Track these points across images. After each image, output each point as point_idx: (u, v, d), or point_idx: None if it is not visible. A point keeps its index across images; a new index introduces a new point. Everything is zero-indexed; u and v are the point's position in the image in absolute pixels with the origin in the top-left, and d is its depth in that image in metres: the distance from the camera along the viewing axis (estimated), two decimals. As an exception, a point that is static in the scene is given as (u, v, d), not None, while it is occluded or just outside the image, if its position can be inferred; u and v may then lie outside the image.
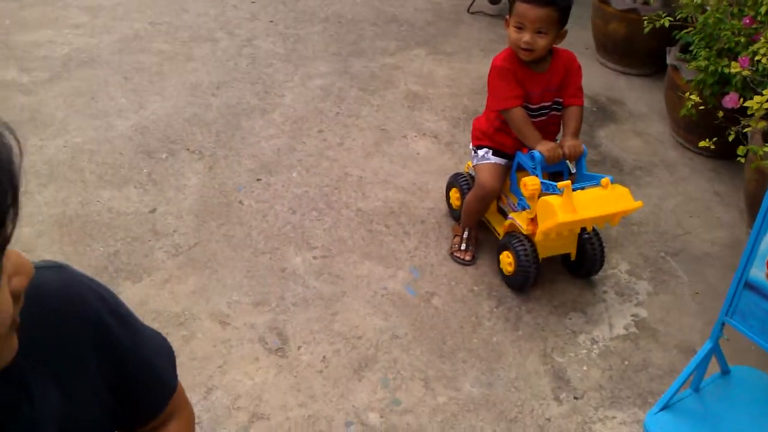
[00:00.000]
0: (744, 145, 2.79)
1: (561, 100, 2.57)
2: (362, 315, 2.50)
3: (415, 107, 3.73)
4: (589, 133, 3.59)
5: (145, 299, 2.52)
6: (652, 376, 2.37)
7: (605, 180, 2.40)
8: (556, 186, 2.37)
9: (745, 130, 2.71)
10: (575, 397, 2.28)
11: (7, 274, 0.74)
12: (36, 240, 2.73)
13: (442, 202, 3.03)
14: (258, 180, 3.13)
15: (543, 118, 2.57)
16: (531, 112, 2.54)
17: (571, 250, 2.65)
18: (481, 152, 2.66)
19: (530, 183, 2.41)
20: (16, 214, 0.72)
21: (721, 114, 2.82)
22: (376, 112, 3.67)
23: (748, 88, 2.95)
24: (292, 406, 2.19)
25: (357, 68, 4.08)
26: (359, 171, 3.22)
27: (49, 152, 3.21)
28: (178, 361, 1.12)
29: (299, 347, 2.38)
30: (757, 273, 2.02)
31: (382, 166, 3.27)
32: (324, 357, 2.36)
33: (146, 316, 2.44)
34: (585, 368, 2.38)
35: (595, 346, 2.45)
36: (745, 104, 2.68)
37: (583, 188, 2.42)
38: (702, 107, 3.03)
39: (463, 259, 2.74)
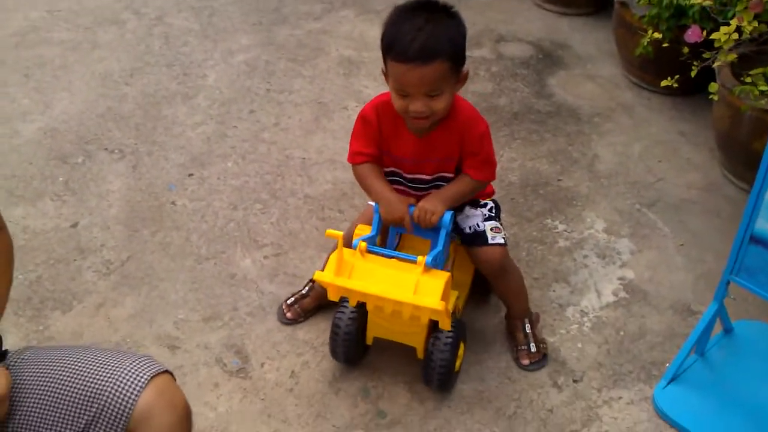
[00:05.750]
0: (709, 80, 2.60)
1: (450, 175, 1.97)
2: (328, 316, 2.23)
3: (351, 74, 3.43)
4: (538, 82, 3.36)
5: (78, 330, 2.21)
6: (651, 345, 2.18)
7: (420, 258, 1.77)
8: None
9: (715, 65, 2.51)
10: (574, 380, 2.08)
11: None
12: (-58, 276, 2.37)
13: (396, 176, 2.77)
14: (190, 175, 2.81)
15: (424, 193, 1.98)
16: (407, 183, 2.01)
17: (416, 345, 2.01)
18: None
19: (358, 231, 1.94)
20: None
21: (686, 50, 2.62)
22: (310, 84, 3.36)
23: (706, 19, 2.75)
24: (264, 434, 1.93)
25: (282, 37, 3.74)
26: (301, 152, 2.93)
27: (-53, 170, 2.82)
28: None
29: (262, 364, 2.11)
30: (764, 225, 1.83)
31: (325, 143, 2.98)
32: (292, 372, 2.09)
33: (82, 351, 2.13)
34: (579, 345, 2.18)
35: (585, 319, 2.25)
36: (711, 37, 2.48)
37: (399, 258, 1.85)
38: (659, 44, 2.82)
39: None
